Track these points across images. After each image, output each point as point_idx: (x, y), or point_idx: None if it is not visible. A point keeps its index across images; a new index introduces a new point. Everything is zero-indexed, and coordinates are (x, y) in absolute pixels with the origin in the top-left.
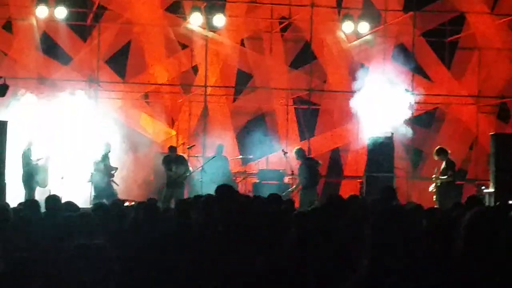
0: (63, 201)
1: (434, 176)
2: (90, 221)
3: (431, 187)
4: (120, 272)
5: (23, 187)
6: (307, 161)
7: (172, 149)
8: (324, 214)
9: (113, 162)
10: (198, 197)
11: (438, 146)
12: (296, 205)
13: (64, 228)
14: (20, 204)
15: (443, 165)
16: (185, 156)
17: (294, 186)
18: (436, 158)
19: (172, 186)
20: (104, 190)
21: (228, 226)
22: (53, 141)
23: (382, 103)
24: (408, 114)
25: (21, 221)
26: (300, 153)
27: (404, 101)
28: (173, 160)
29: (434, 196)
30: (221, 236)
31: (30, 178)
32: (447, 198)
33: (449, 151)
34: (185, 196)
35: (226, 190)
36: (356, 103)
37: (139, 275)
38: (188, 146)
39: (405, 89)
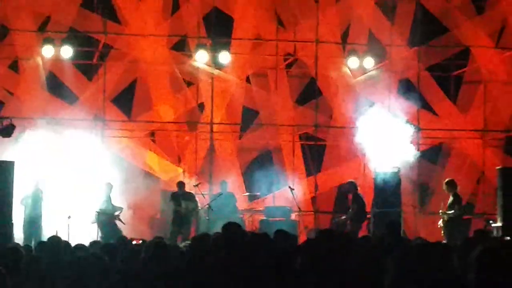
0: (71, 241)
1: (441, 211)
2: (101, 262)
3: (440, 222)
4: None
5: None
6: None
7: (181, 185)
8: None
9: (118, 201)
10: (205, 235)
11: (449, 178)
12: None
13: (77, 270)
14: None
15: (450, 199)
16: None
17: (346, 216)
18: (445, 190)
19: (179, 223)
20: (110, 231)
21: (235, 264)
22: (59, 180)
23: (388, 138)
24: (414, 149)
25: (33, 263)
26: (354, 185)
27: (410, 136)
28: (181, 196)
29: (442, 231)
30: (229, 274)
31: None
32: (455, 233)
33: (458, 185)
34: (192, 233)
35: (232, 228)
36: (362, 139)
37: None
38: (194, 184)
39: (411, 124)
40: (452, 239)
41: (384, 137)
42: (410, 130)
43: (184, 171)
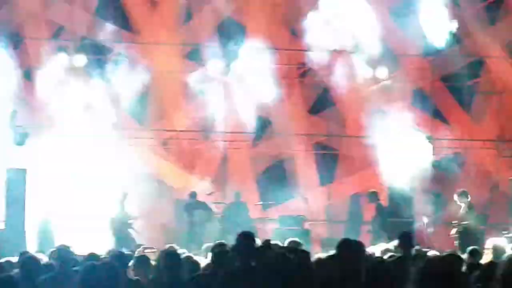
0: (84, 249)
1: (455, 221)
2: (113, 270)
3: (453, 232)
4: None
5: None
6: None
7: (193, 194)
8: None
9: (132, 209)
10: (219, 245)
11: (461, 189)
12: None
13: (88, 279)
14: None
15: (463, 209)
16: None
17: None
18: (457, 200)
19: (192, 233)
20: (123, 238)
21: (248, 274)
22: (72, 188)
23: (401, 148)
24: (428, 159)
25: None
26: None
27: (423, 146)
28: (194, 206)
29: (456, 241)
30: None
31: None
32: (469, 243)
33: (469, 195)
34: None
35: (246, 238)
36: (375, 148)
37: None
38: (207, 193)
39: (426, 136)
40: (466, 249)
41: (398, 147)
42: (425, 140)
43: (196, 180)
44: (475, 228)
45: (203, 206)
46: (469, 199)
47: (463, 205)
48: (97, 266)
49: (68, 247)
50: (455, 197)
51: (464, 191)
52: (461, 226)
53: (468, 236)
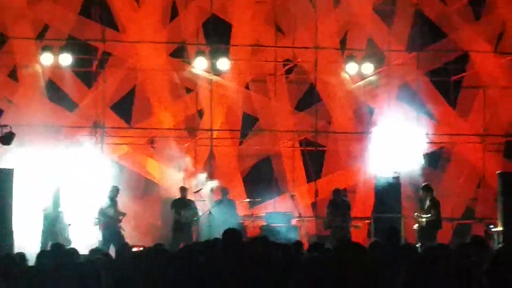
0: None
1: (416, 214)
2: (98, 268)
3: (415, 226)
4: None
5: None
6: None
7: (184, 190)
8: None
9: (119, 208)
10: (206, 242)
11: (425, 183)
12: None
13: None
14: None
15: (428, 203)
16: (193, 199)
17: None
18: (422, 194)
19: (179, 230)
20: (111, 236)
21: (234, 272)
22: (59, 188)
23: (388, 143)
24: (416, 153)
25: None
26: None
27: (409, 141)
28: (181, 204)
29: (416, 234)
30: (228, 282)
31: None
32: (429, 238)
33: (434, 189)
34: (194, 240)
35: (233, 235)
36: (362, 144)
37: None
38: (195, 190)
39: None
40: (423, 243)
41: (384, 142)
42: (412, 135)
43: (183, 178)
44: (435, 222)
45: (190, 204)
46: (433, 193)
47: (427, 198)
48: (84, 264)
49: (62, 245)
50: (422, 188)
51: (427, 185)
52: (422, 221)
53: (426, 231)
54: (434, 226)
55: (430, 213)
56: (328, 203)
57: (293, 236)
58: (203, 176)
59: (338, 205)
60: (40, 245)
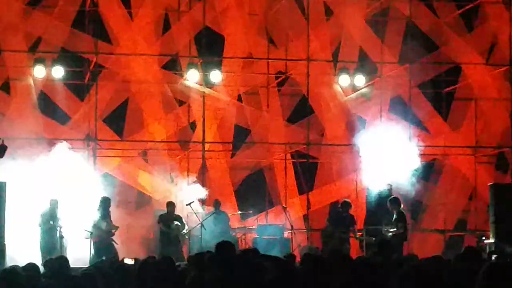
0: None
1: (384, 228)
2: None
3: (374, 239)
4: None
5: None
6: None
7: (170, 204)
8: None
9: (112, 220)
10: (198, 254)
11: (392, 196)
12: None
13: None
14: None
15: (394, 216)
16: (185, 212)
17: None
18: (389, 207)
19: (168, 244)
20: (104, 249)
21: (227, 284)
22: (56, 201)
23: (380, 156)
24: (408, 165)
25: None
26: (398, 201)
27: (402, 153)
28: (169, 219)
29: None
30: None
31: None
32: (396, 251)
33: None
34: (185, 253)
35: (225, 247)
36: (354, 156)
37: None
38: (187, 203)
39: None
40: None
41: (376, 154)
42: (403, 147)
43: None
44: (403, 235)
45: (177, 219)
46: (400, 207)
47: (393, 210)
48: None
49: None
50: (389, 201)
51: (395, 198)
52: (389, 234)
53: (397, 244)
54: (401, 238)
55: (397, 227)
56: (330, 213)
57: (285, 248)
58: (195, 187)
59: (343, 218)
60: (41, 258)
